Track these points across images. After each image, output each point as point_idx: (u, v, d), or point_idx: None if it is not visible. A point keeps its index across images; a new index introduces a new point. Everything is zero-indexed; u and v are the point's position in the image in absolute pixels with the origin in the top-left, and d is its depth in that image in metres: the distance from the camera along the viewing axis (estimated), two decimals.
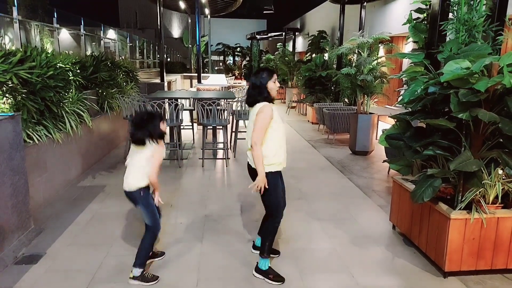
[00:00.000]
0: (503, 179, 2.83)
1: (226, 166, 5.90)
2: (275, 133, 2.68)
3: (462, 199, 2.78)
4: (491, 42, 3.07)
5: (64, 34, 10.40)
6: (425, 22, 4.15)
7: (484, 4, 3.06)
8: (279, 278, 2.79)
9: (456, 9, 3.15)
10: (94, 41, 12.92)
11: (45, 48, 8.05)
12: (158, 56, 19.21)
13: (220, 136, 7.24)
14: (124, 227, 3.65)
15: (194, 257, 3.12)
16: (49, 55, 4.51)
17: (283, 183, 2.93)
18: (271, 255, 3.03)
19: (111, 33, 14.36)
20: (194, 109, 8.23)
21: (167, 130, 6.95)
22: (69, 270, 2.90)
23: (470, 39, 3.09)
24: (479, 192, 2.78)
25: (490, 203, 2.81)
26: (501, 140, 2.70)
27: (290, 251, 3.24)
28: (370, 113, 6.80)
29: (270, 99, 2.74)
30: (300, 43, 19.93)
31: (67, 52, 8.16)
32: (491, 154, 2.73)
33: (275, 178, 2.73)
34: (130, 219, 3.84)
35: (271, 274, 2.80)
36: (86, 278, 2.79)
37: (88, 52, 9.05)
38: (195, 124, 7.96)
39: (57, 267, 2.94)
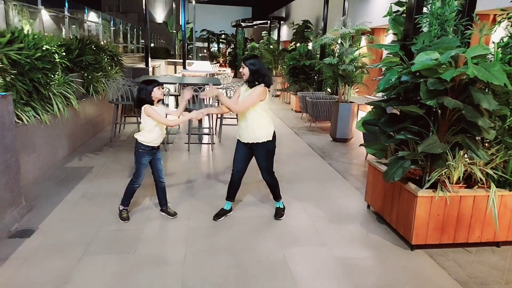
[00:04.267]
0: (465, 161, 3.11)
1: (212, 151, 6.06)
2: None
3: (429, 179, 3.05)
4: (460, 36, 3.33)
5: (44, 16, 10.18)
6: (404, 15, 4.37)
7: (455, 0, 3.30)
8: (216, 215, 3.62)
9: (430, 3, 3.38)
10: (74, 24, 12.66)
11: (23, 30, 7.90)
12: (143, 41, 18.97)
13: (206, 122, 7.37)
14: (113, 205, 3.79)
15: (182, 232, 3.31)
16: (36, 36, 4.54)
17: (241, 152, 3.73)
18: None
19: (94, 16, 14.10)
20: (179, 95, 8.31)
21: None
22: (62, 243, 3.05)
23: (442, 32, 3.33)
24: (444, 173, 3.06)
25: (454, 183, 3.09)
26: (465, 126, 2.97)
27: (272, 227, 3.48)
28: (351, 102, 7.06)
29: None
30: (285, 32, 20.03)
31: (47, 34, 8.05)
32: (455, 139, 3.00)
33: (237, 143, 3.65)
34: (119, 198, 3.96)
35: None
36: (80, 249, 2.95)
37: (71, 35, 8.96)
38: None
39: (50, 240, 3.08)
